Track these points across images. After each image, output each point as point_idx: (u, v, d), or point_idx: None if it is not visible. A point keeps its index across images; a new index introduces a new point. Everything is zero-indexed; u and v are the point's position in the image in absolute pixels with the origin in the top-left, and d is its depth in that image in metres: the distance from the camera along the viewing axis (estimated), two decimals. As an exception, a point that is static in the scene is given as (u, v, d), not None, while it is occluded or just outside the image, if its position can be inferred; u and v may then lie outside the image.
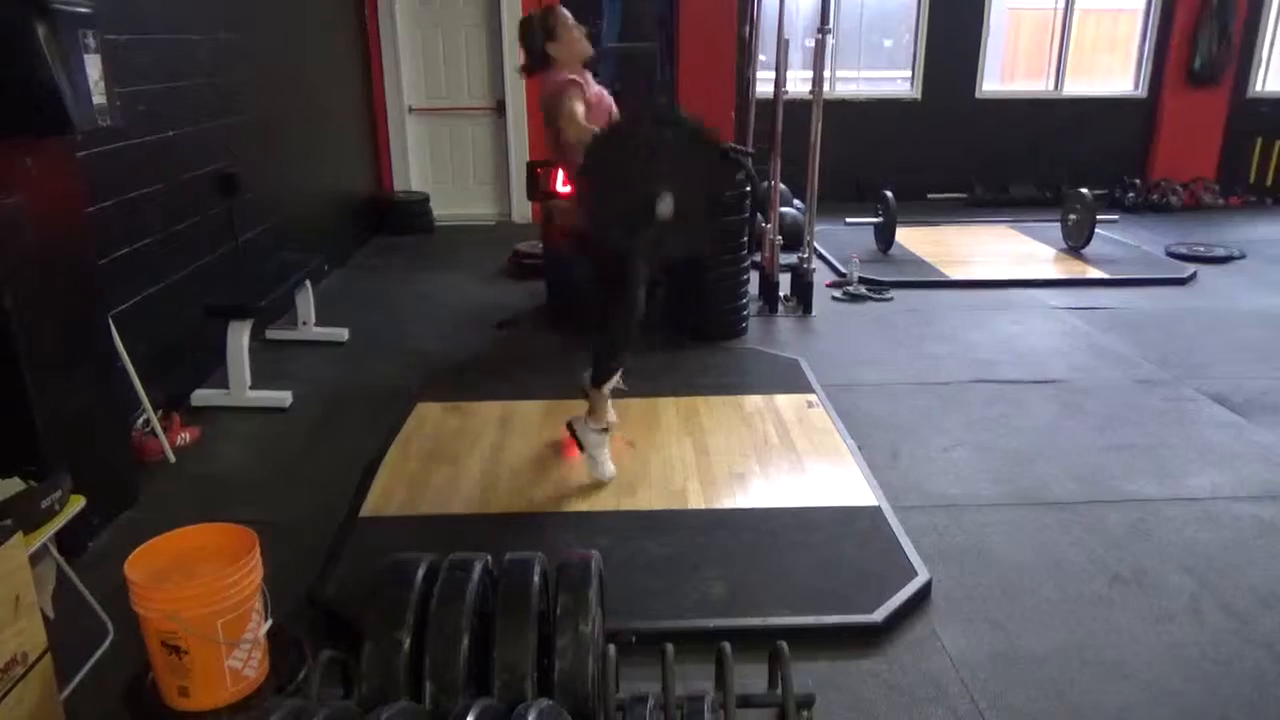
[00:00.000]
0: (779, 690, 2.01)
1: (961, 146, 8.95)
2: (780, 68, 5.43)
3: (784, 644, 2.04)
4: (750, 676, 2.14)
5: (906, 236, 7.16)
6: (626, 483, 3.33)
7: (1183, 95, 8.85)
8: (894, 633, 2.56)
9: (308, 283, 4.96)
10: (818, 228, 5.84)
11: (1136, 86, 9.12)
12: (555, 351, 4.84)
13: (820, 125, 5.36)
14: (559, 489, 3.33)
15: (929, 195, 8.97)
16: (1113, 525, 3.14)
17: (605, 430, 3.35)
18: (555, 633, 1.88)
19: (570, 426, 3.40)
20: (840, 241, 6.92)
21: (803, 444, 3.66)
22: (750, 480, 3.39)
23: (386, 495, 3.27)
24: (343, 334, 5.09)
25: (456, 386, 4.32)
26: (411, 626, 1.86)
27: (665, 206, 2.77)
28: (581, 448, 3.35)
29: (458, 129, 8.20)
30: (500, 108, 8.04)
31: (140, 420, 3.65)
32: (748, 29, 6.44)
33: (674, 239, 2.95)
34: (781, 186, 5.82)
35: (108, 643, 2.46)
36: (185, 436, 3.77)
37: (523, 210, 8.17)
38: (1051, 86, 9.12)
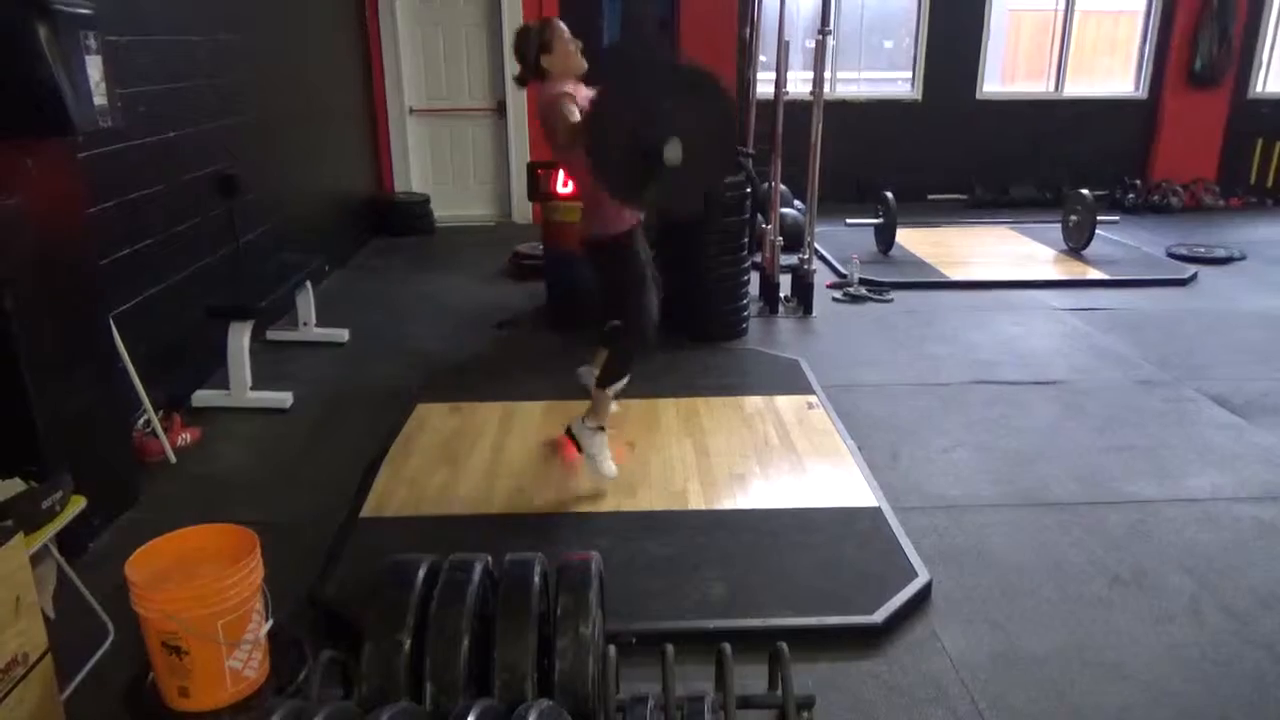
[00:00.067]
0: (779, 691, 2.01)
1: (962, 148, 8.95)
2: (781, 69, 5.43)
3: (784, 645, 2.04)
4: (750, 677, 2.14)
5: (907, 237, 7.16)
6: (626, 484, 3.33)
7: (1183, 96, 8.86)
8: (894, 634, 2.56)
9: (308, 283, 4.97)
10: (818, 229, 5.85)
11: (1137, 88, 9.12)
12: (555, 351, 4.84)
13: (821, 126, 5.36)
14: (559, 490, 3.33)
15: (929, 196, 8.97)
16: (1113, 526, 3.15)
17: (603, 429, 3.35)
18: (555, 633, 1.88)
19: (569, 431, 3.39)
20: (840, 242, 6.92)
21: (803, 445, 3.66)
22: (750, 481, 3.39)
23: (387, 496, 3.27)
24: (343, 335, 5.10)
25: (456, 387, 4.32)
26: (412, 627, 1.87)
27: (673, 152, 2.70)
28: (580, 449, 3.34)
29: (458, 130, 8.21)
30: (501, 109, 8.05)
31: (141, 421, 3.65)
32: (748, 30, 6.45)
33: (683, 188, 2.88)
34: (782, 187, 5.82)
35: (108, 643, 2.46)
36: (186, 437, 3.77)
37: (523, 211, 8.17)
38: (1052, 88, 9.13)
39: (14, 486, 2.33)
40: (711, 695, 1.93)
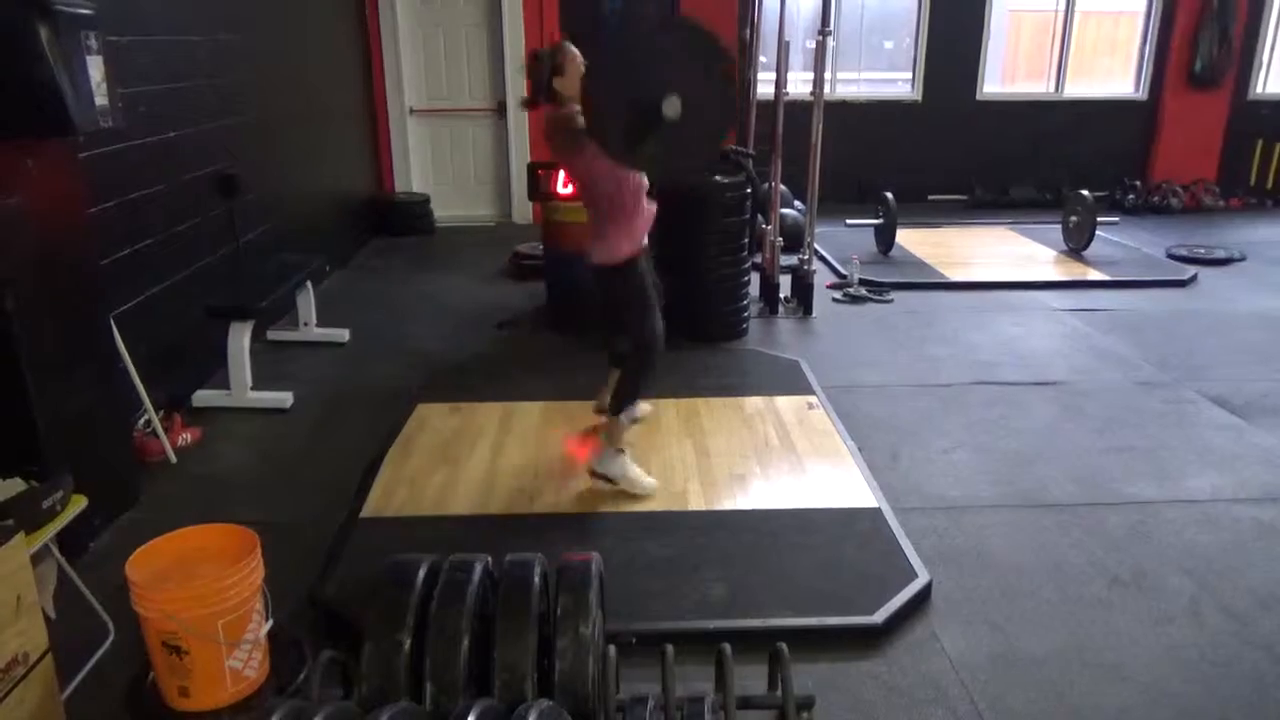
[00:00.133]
0: (779, 692, 2.02)
1: (962, 148, 8.95)
2: (781, 69, 5.43)
3: (784, 645, 2.04)
4: (750, 678, 2.14)
5: (907, 238, 7.16)
6: (627, 484, 3.33)
7: (1183, 97, 8.86)
8: (894, 634, 2.56)
9: (308, 284, 4.97)
10: (818, 229, 5.85)
11: (1137, 89, 9.12)
12: (555, 351, 4.85)
13: (821, 127, 5.36)
14: (559, 490, 3.33)
15: (929, 197, 8.97)
16: (1112, 527, 3.15)
17: (623, 451, 3.28)
18: (555, 634, 1.89)
19: (593, 473, 3.29)
20: (841, 243, 6.92)
21: (803, 445, 3.66)
22: (750, 481, 3.39)
23: (387, 496, 3.27)
24: (343, 335, 5.10)
25: (457, 387, 4.32)
26: (412, 627, 1.87)
27: (672, 107, 2.68)
28: (612, 480, 3.25)
29: (458, 130, 8.21)
30: (501, 109, 8.05)
31: (141, 421, 3.65)
32: (748, 31, 6.45)
33: (683, 145, 2.83)
34: (782, 188, 5.82)
35: (108, 643, 2.46)
36: (186, 437, 3.77)
37: (523, 211, 8.17)
38: (1052, 88, 9.13)
39: (15, 486, 2.33)
40: (711, 695, 1.93)
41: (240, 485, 3.50)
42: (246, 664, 2.26)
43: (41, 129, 2.72)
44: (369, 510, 3.17)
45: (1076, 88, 9.11)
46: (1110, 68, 9.33)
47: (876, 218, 6.93)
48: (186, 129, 4.32)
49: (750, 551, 2.91)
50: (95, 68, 2.80)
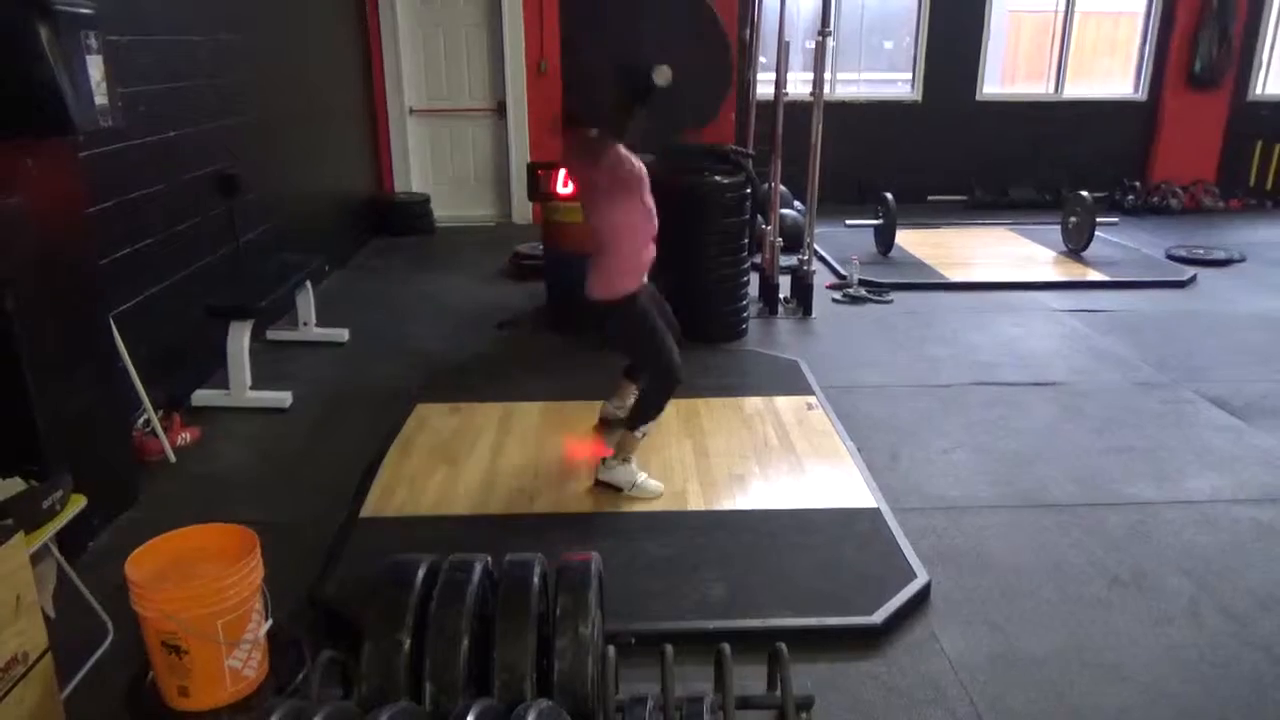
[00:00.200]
0: (778, 692, 2.02)
1: (962, 149, 8.96)
2: (781, 70, 5.43)
3: (783, 645, 2.04)
4: (750, 678, 2.14)
5: (906, 238, 7.16)
6: (626, 484, 3.33)
7: (1183, 98, 8.86)
8: (893, 634, 2.57)
9: (308, 283, 4.97)
10: (818, 229, 5.85)
11: (1137, 89, 9.13)
12: (555, 351, 4.85)
13: (820, 127, 5.36)
14: (559, 490, 3.34)
15: (929, 197, 8.98)
16: (1112, 528, 3.15)
17: (629, 461, 3.27)
18: (555, 634, 1.89)
19: (599, 481, 3.29)
20: (840, 243, 6.92)
21: (802, 446, 3.67)
22: (750, 482, 3.39)
23: (386, 496, 3.27)
24: (343, 335, 5.10)
25: (457, 387, 4.32)
26: (411, 627, 1.87)
27: (663, 75, 2.67)
28: (620, 488, 3.25)
29: (458, 130, 8.21)
30: (501, 109, 8.04)
31: (141, 420, 3.65)
32: (748, 31, 6.46)
33: (673, 112, 2.81)
34: (782, 188, 5.82)
35: (108, 643, 2.46)
36: (186, 437, 3.77)
37: (523, 211, 8.17)
38: (1052, 89, 9.13)
39: (14, 486, 2.33)
40: (711, 696, 1.93)
41: (239, 485, 3.50)
42: (246, 664, 2.26)
43: (41, 128, 2.72)
44: (368, 510, 3.17)
45: (1076, 88, 9.12)
46: (1110, 68, 9.34)
47: (876, 218, 6.93)
48: (186, 129, 4.32)
49: (749, 552, 2.91)
50: (95, 67, 2.80)
